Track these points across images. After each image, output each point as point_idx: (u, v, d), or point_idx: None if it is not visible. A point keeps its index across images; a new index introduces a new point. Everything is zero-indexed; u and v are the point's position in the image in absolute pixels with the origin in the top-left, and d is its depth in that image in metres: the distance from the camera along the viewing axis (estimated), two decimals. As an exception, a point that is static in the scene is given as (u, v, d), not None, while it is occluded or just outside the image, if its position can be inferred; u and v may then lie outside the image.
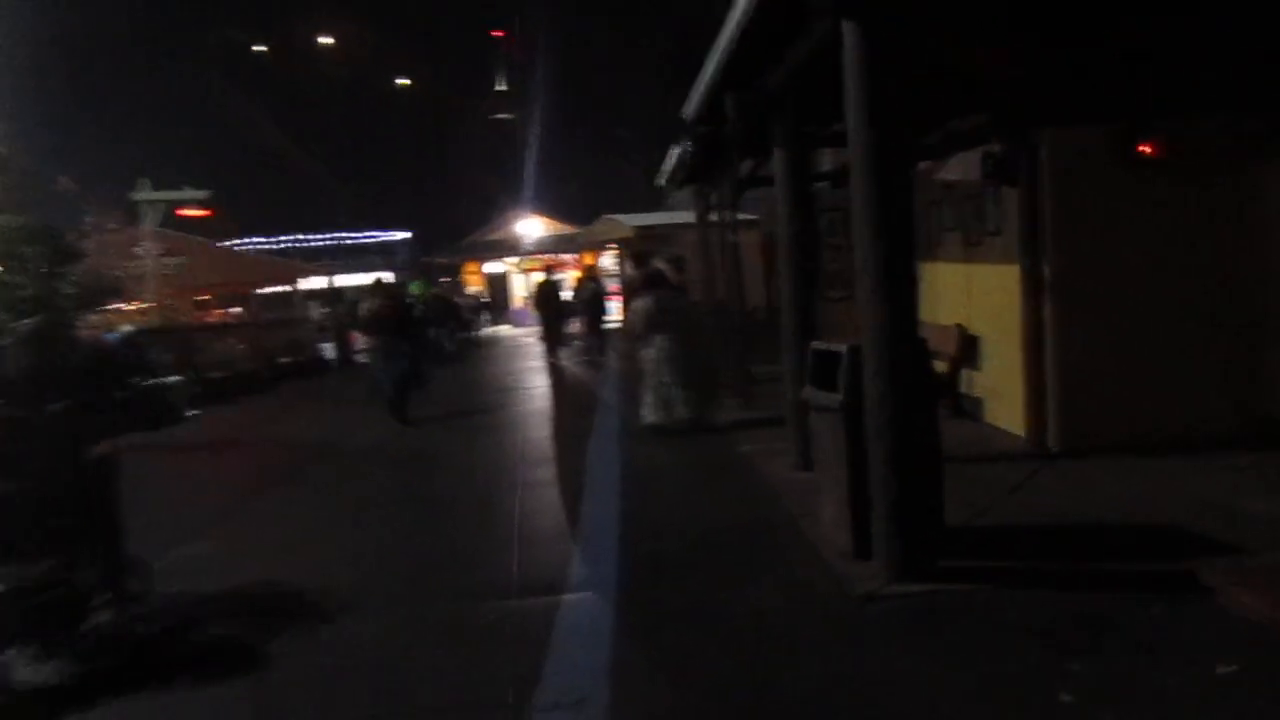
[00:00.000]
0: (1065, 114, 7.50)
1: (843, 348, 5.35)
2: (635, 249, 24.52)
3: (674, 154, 12.57)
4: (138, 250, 22.55)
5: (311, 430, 13.43)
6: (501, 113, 53.48)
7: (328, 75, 54.92)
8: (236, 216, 38.50)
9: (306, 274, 43.27)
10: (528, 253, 36.55)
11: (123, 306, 20.55)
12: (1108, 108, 7.42)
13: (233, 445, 12.83)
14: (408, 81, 60.28)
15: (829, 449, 5.64)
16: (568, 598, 5.25)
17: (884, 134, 4.92)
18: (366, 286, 14.81)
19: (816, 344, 5.85)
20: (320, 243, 56.62)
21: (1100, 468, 7.01)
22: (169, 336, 18.85)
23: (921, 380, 5.06)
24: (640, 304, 10.37)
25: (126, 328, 16.08)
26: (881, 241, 4.88)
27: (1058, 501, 6.33)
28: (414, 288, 23.60)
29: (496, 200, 41.31)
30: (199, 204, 22.91)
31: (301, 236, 55.59)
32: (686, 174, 13.02)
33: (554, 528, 6.88)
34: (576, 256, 35.91)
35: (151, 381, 15.57)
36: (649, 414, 10.11)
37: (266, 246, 51.00)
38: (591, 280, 24.16)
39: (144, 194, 21.46)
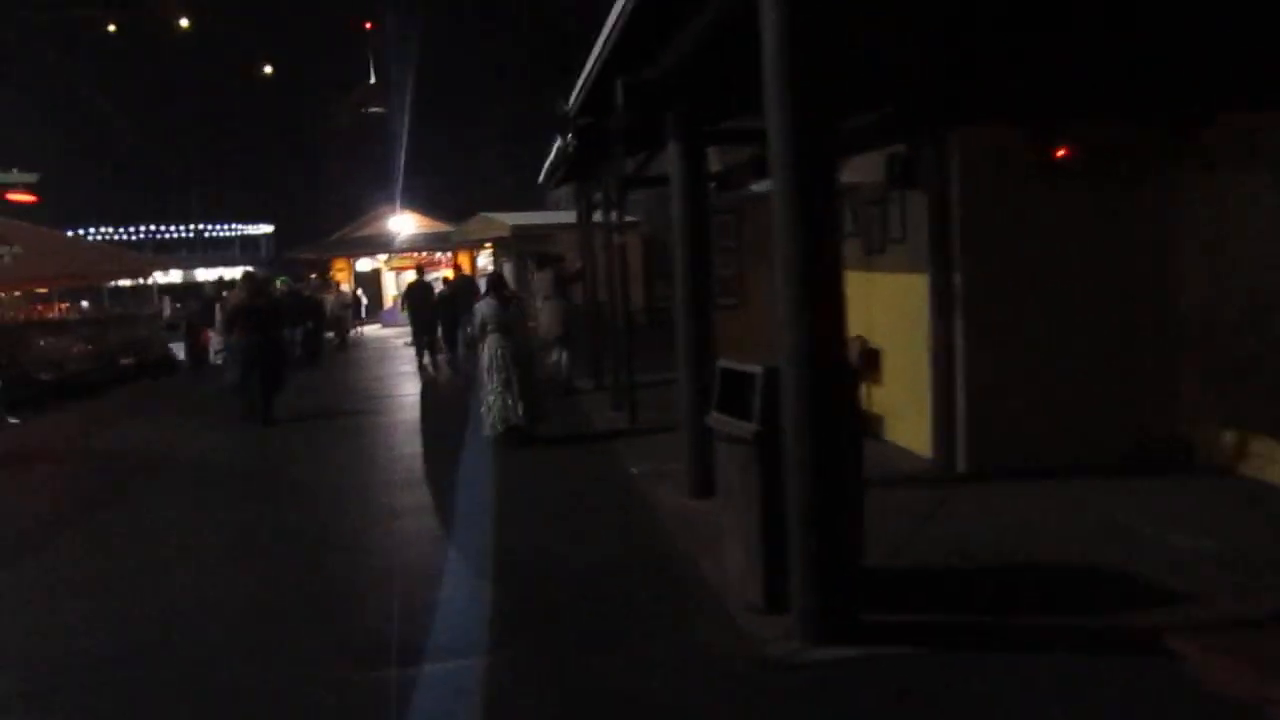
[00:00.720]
0: (976, 113, 7.00)
1: (757, 369, 4.62)
2: (521, 249, 23.59)
3: (555, 149, 11.74)
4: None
5: (149, 441, 12.03)
6: (372, 106, 51.46)
7: (185, 61, 51.70)
8: (79, 203, 35.70)
9: (159, 267, 40.54)
10: (399, 250, 35.04)
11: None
12: (1022, 108, 6.95)
13: (52, 459, 11.35)
14: (270, 70, 57.39)
15: (737, 484, 4.91)
16: (429, 669, 4.33)
17: (808, 121, 4.20)
18: (235, 280, 14.08)
19: (725, 363, 5.11)
20: (178, 235, 53.54)
21: (1015, 492, 6.52)
22: (-10, 334, 16.94)
23: (849, 409, 4.39)
24: (478, 308, 10.00)
25: (-67, 325, 14.26)
26: (804, 246, 4.17)
27: (978, 534, 5.77)
28: (280, 282, 22.22)
29: (366, 195, 39.54)
30: (27, 188, 20.71)
31: (158, 227, 52.42)
32: (568, 170, 12.22)
33: (418, 570, 5.89)
34: (450, 255, 34.63)
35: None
36: (486, 423, 9.64)
37: (119, 237, 47.83)
38: (462, 280, 23.12)
39: (-37, 176, 19.33)
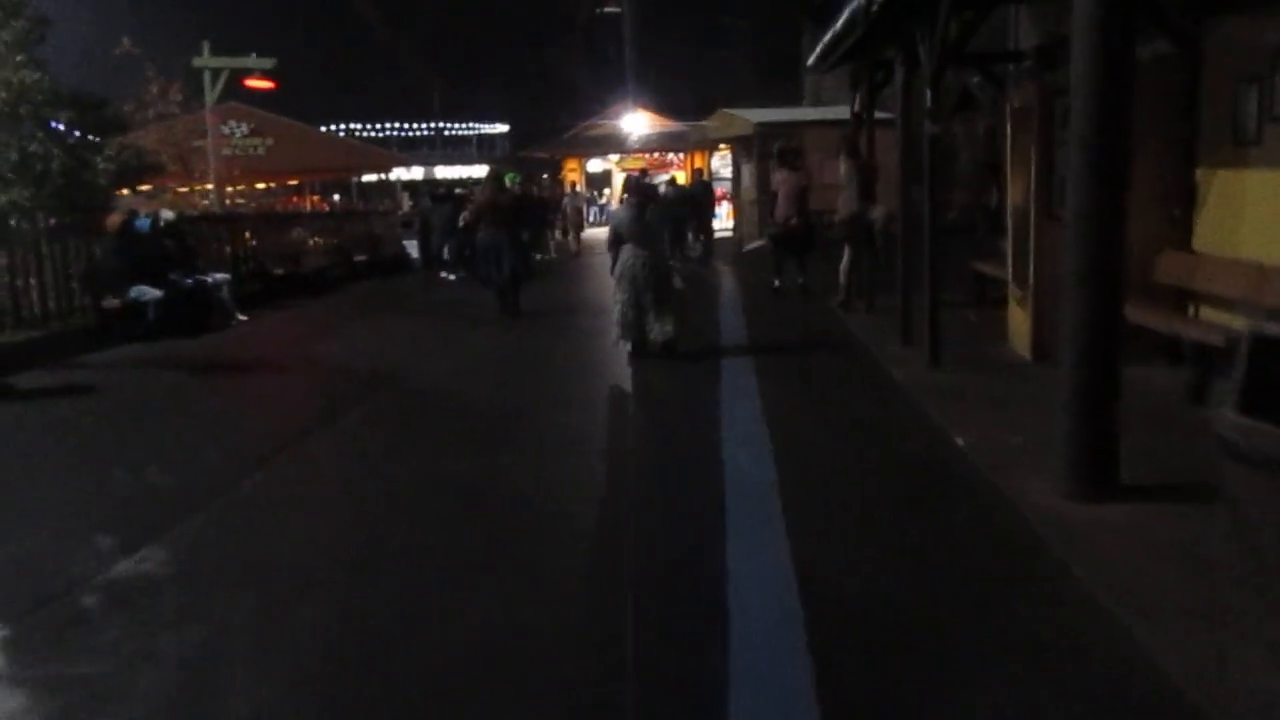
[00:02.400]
0: None
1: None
2: (763, 149, 21.34)
3: (845, 14, 9.39)
4: (224, 129, 20.39)
5: (372, 351, 10.95)
6: (608, 6, 49.98)
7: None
8: (325, 98, 36.19)
9: (401, 163, 40.92)
10: (632, 150, 33.45)
11: (177, 189, 18.32)
12: None
13: (262, 367, 10.40)
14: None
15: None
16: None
17: None
18: (484, 177, 14.81)
19: (1258, 326, 2.87)
20: (420, 132, 54.61)
21: None
22: (227, 226, 16.52)
23: None
24: (614, 213, 9.54)
25: (166, 213, 13.70)
26: None
27: None
28: (509, 179, 21.10)
29: (600, 96, 38.09)
30: (264, 73, 20.23)
31: (402, 125, 53.60)
32: (855, 44, 9.83)
33: (683, 617, 3.88)
34: (683, 156, 32.74)
35: (192, 280, 13.18)
36: (616, 333, 9.22)
37: (367, 134, 49.10)
38: (698, 184, 21.37)
39: (205, 60, 18.95)
